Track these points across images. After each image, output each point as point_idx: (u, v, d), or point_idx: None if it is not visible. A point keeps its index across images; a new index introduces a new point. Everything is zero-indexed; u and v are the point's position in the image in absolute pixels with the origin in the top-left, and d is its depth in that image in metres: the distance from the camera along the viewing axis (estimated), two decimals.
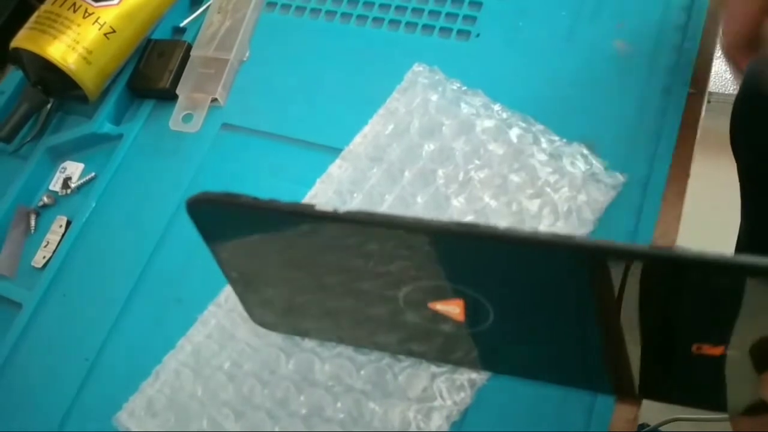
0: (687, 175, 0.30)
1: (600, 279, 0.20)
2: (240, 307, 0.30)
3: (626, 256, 0.19)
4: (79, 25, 0.37)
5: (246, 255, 0.25)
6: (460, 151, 0.31)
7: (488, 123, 0.32)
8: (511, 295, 0.22)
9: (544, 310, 0.22)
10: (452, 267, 0.22)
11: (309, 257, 0.24)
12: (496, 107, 0.32)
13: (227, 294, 0.31)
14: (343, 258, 0.23)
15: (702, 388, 0.22)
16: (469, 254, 0.21)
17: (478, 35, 0.36)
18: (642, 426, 0.76)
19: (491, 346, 0.25)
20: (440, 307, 0.23)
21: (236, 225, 0.23)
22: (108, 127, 0.38)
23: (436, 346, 0.26)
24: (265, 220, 0.22)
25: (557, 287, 0.21)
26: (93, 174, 0.38)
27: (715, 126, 0.50)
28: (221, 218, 0.23)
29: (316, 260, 0.24)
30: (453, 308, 0.23)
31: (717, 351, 0.20)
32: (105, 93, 0.39)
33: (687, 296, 0.20)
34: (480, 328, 0.23)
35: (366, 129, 0.33)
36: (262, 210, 0.22)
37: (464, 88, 0.34)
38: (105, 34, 0.37)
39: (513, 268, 0.21)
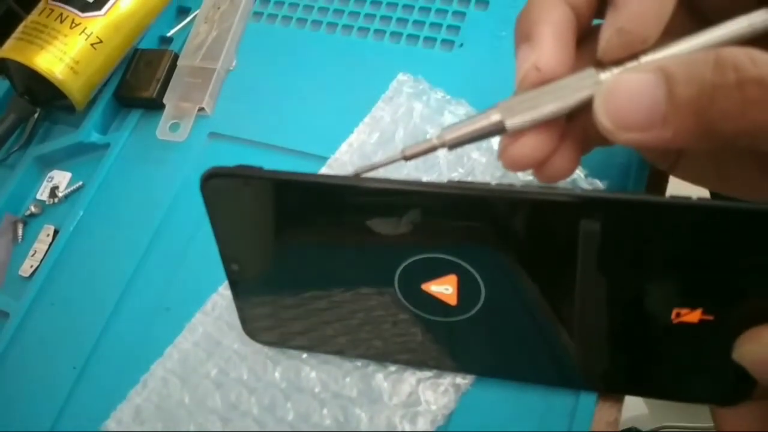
0: (666, 181, 0.31)
1: (587, 237, 0.21)
2: (227, 315, 0.31)
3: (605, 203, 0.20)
4: (66, 36, 0.37)
5: (250, 239, 0.25)
6: (444, 160, 0.32)
7: None
8: (502, 266, 0.23)
9: (533, 281, 0.23)
10: (449, 234, 0.22)
11: (311, 234, 0.24)
12: None
13: (214, 301, 0.31)
14: (345, 232, 0.23)
15: (682, 373, 0.23)
16: (465, 217, 0.22)
17: (461, 45, 0.36)
18: (631, 430, 0.76)
19: (477, 339, 0.25)
20: (434, 287, 0.24)
21: (245, 202, 0.24)
22: (95, 137, 0.39)
23: (422, 347, 0.26)
24: (276, 194, 0.23)
25: (547, 248, 0.22)
26: (80, 183, 0.38)
27: None
28: (232, 195, 0.23)
29: (318, 239, 0.24)
30: (446, 288, 0.24)
31: (695, 317, 0.21)
32: (92, 102, 0.39)
33: (665, 253, 0.21)
34: (470, 314, 0.24)
35: (351, 137, 0.34)
36: (274, 180, 0.22)
37: (448, 97, 0.34)
38: (92, 45, 0.38)
39: (507, 230, 0.22)
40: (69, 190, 0.38)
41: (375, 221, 0.22)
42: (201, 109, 0.37)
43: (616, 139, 0.19)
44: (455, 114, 0.33)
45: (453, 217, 0.22)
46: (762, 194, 0.22)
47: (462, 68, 0.35)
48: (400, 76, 0.35)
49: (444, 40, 0.37)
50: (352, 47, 0.38)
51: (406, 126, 0.33)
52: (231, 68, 0.39)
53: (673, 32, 0.20)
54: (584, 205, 0.20)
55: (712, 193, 0.29)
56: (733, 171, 0.23)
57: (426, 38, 0.37)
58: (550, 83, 0.21)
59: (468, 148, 0.32)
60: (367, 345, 0.27)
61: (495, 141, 0.32)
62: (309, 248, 0.25)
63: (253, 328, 0.28)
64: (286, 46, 0.39)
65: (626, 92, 0.19)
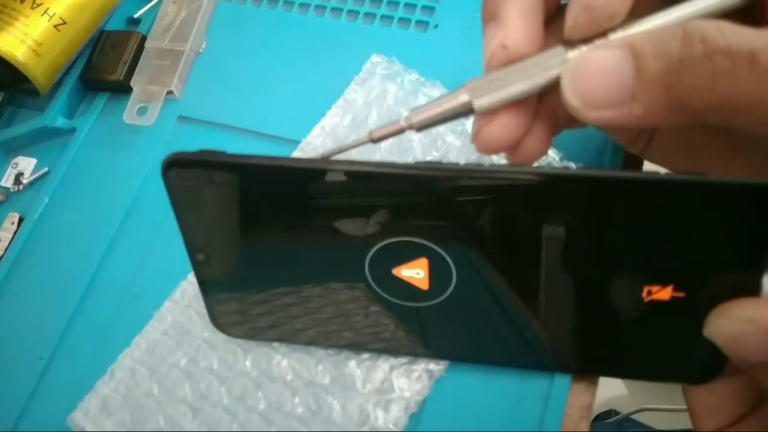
0: (641, 164, 0.30)
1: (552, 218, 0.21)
2: (196, 304, 0.30)
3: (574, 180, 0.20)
4: (27, 17, 0.35)
5: (215, 227, 0.24)
6: (418, 143, 0.31)
7: None
8: (472, 248, 0.22)
9: (502, 263, 0.22)
10: (418, 216, 0.22)
11: (277, 219, 0.24)
12: None
13: (184, 289, 0.30)
14: (313, 220, 0.23)
15: (654, 353, 0.23)
16: (433, 197, 0.21)
17: (436, 26, 0.36)
18: (609, 414, 0.77)
19: (450, 324, 0.25)
20: (405, 272, 0.23)
21: (208, 188, 0.23)
22: (61, 121, 0.37)
23: (395, 336, 0.26)
24: (240, 179, 0.22)
25: (515, 227, 0.21)
26: (46, 169, 0.37)
27: None
28: (194, 181, 0.23)
29: (284, 230, 0.24)
30: (417, 272, 0.23)
31: (666, 294, 0.21)
32: (57, 86, 0.38)
33: (634, 229, 0.20)
34: (442, 298, 0.24)
35: (324, 121, 0.33)
36: (237, 165, 0.22)
37: (422, 79, 0.33)
38: (55, 26, 0.36)
39: (476, 210, 0.21)
40: (34, 176, 0.37)
41: (343, 205, 0.22)
42: (169, 93, 0.36)
43: (584, 117, 0.19)
44: (429, 96, 0.33)
45: (421, 198, 0.21)
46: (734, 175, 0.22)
47: (437, 49, 0.35)
48: (374, 58, 0.34)
49: (418, 21, 0.36)
50: (324, 28, 0.37)
51: (380, 108, 0.33)
52: (200, 50, 0.38)
53: (643, 13, 0.20)
54: (552, 182, 0.20)
55: None
56: (705, 153, 0.22)
57: (400, 19, 0.36)
58: (518, 62, 0.20)
59: (442, 131, 0.32)
60: (338, 336, 0.26)
61: (470, 124, 0.32)
62: (275, 234, 0.24)
63: (221, 322, 0.27)
64: (257, 27, 0.38)
65: (593, 69, 0.18)
